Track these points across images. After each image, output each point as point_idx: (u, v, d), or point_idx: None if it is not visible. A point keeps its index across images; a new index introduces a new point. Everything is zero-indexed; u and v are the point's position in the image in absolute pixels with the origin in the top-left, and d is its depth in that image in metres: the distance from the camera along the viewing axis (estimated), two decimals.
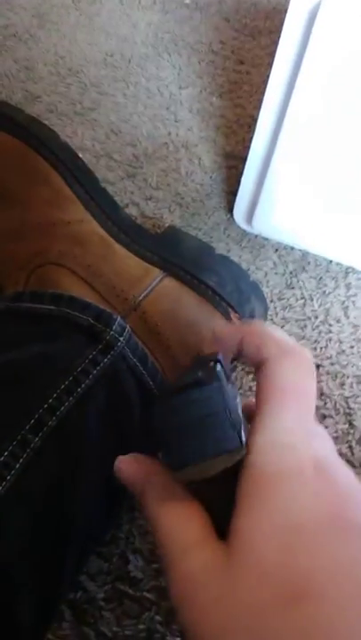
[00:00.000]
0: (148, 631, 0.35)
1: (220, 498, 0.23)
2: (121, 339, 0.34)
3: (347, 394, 0.45)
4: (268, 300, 0.49)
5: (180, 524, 0.22)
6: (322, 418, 0.44)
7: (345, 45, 0.39)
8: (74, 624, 0.35)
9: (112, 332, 0.34)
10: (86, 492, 0.31)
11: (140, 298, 0.39)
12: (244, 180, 0.50)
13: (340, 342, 0.48)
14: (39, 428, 0.30)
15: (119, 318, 0.35)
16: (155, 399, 0.25)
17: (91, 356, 0.33)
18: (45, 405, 0.30)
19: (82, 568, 0.35)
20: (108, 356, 0.34)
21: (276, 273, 0.52)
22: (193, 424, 0.23)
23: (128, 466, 0.25)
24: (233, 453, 0.22)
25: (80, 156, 0.55)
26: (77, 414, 0.31)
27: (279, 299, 0.50)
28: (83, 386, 0.32)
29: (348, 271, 0.52)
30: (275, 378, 0.23)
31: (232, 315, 0.41)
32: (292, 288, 0.51)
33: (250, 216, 0.52)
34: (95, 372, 0.33)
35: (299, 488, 0.21)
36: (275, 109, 0.44)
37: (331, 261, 0.53)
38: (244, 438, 0.23)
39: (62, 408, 0.31)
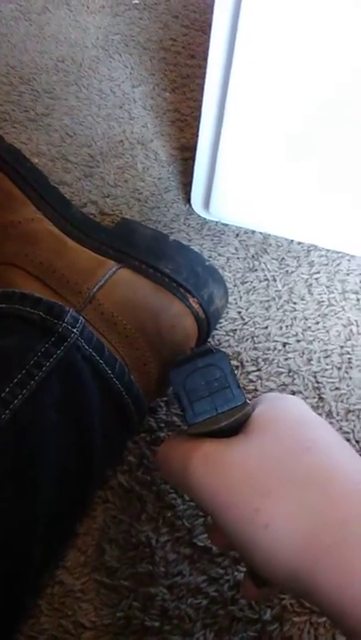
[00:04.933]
0: (126, 618, 0.35)
1: None
2: (74, 330, 0.35)
3: (315, 369, 0.45)
4: (231, 285, 0.50)
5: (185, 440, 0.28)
6: (291, 394, 0.44)
7: (275, 23, 0.39)
8: (52, 617, 0.35)
9: (64, 324, 0.34)
10: (46, 484, 0.31)
11: (95, 290, 0.39)
12: (196, 168, 0.51)
13: (306, 319, 0.48)
14: None
15: (72, 310, 0.35)
16: (170, 369, 0.30)
17: (43, 349, 0.33)
18: None
19: (55, 562, 0.35)
20: (62, 348, 0.34)
21: (238, 257, 0.52)
22: (207, 384, 0.29)
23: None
24: (239, 408, 0.28)
25: (36, 160, 0.56)
26: (32, 406, 0.32)
27: (242, 282, 0.50)
28: (36, 378, 0.32)
29: (309, 249, 0.52)
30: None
31: (190, 300, 0.42)
32: (255, 270, 0.51)
33: (207, 203, 0.52)
34: (48, 364, 0.33)
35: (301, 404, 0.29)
36: (216, 95, 0.45)
37: (292, 241, 0.53)
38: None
39: (16, 401, 0.31)
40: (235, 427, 0.28)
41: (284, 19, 0.38)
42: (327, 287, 0.50)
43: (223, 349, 0.46)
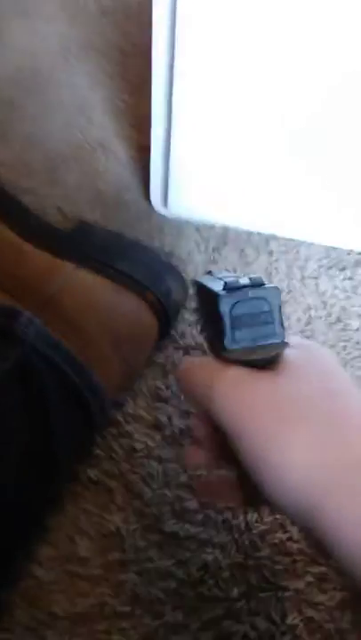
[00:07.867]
0: (98, 605, 0.36)
1: None
2: (28, 331, 0.36)
3: None
4: (193, 278, 0.51)
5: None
6: None
7: (213, 13, 0.40)
8: (26, 610, 0.36)
9: (19, 327, 0.36)
10: (8, 483, 0.32)
11: (53, 292, 0.40)
12: (152, 166, 0.52)
13: None
14: None
15: (26, 312, 0.37)
16: (220, 292, 0.29)
17: None
18: None
19: (25, 557, 0.37)
20: (18, 349, 0.35)
21: (199, 251, 0.53)
22: (253, 316, 0.29)
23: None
24: (277, 346, 0.28)
25: None
26: None
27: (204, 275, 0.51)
28: None
29: (268, 239, 0.54)
30: None
31: (148, 295, 0.43)
32: (216, 263, 0.52)
33: (165, 200, 0.53)
34: (4, 365, 0.34)
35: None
36: (163, 92, 0.46)
37: (251, 233, 0.54)
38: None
39: None
40: (266, 363, 0.28)
41: (217, 17, 0.39)
42: (286, 274, 0.51)
43: (186, 340, 0.47)
